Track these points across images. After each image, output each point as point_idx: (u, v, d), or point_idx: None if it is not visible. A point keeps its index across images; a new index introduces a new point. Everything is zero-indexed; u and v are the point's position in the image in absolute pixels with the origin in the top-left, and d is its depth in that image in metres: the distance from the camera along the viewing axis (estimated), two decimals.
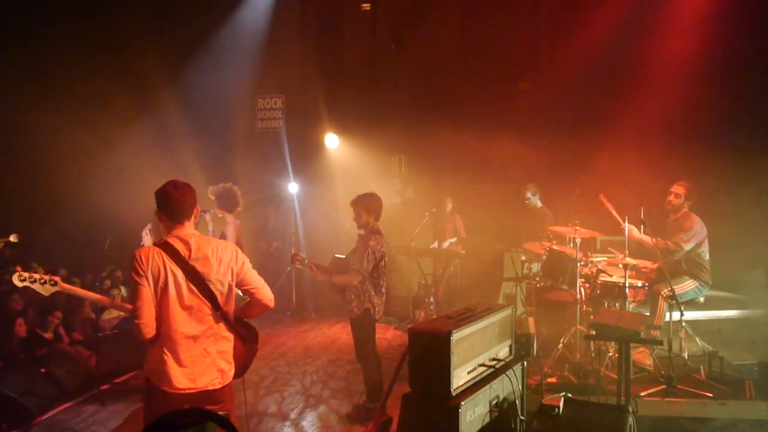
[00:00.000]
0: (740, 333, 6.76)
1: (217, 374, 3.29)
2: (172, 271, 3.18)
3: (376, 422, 4.25)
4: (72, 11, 10.22)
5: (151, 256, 3.17)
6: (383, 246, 5.22)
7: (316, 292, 9.70)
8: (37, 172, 10.24)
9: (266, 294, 3.51)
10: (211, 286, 3.26)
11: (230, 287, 3.36)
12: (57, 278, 3.36)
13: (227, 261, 3.33)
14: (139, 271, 3.14)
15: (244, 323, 3.57)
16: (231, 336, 3.40)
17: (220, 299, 3.30)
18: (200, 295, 3.23)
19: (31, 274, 3.34)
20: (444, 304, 8.49)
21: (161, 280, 3.16)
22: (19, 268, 3.36)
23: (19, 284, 3.34)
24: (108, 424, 5.33)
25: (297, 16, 11.92)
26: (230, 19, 11.05)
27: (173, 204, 3.29)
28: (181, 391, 3.17)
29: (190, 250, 3.25)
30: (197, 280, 3.22)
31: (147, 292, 3.13)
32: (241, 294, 3.51)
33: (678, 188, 6.10)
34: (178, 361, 3.18)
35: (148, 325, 3.13)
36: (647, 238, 5.88)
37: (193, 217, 3.39)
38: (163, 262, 3.18)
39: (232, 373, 3.40)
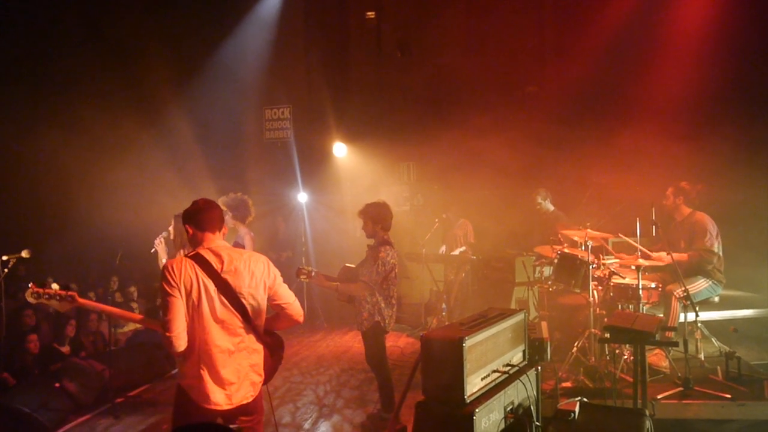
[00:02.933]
0: (757, 332, 6.68)
1: (250, 387, 3.27)
2: (204, 283, 3.12)
3: (391, 431, 4.22)
4: (84, 33, 10.36)
5: (184, 268, 3.11)
6: (394, 257, 5.15)
7: (327, 301, 9.69)
8: (46, 188, 10.33)
9: (296, 309, 3.49)
10: (242, 300, 3.20)
11: (262, 301, 3.30)
12: (73, 293, 3.28)
13: (259, 274, 3.29)
14: (171, 282, 3.06)
15: (269, 332, 3.52)
16: (261, 347, 3.36)
17: (251, 312, 3.24)
18: (232, 309, 3.17)
19: (45, 290, 3.26)
20: (456, 311, 8.44)
21: (194, 292, 3.10)
22: (32, 285, 3.27)
23: (33, 301, 3.27)
24: None
25: (302, 25, 11.97)
26: (236, 31, 11.12)
27: (201, 213, 3.28)
28: (218, 407, 3.14)
29: (222, 263, 3.20)
30: (229, 293, 3.17)
31: (179, 304, 3.05)
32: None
33: (667, 191, 6.19)
34: (216, 378, 3.13)
35: (180, 338, 3.04)
36: (680, 256, 5.83)
37: (221, 232, 3.35)
38: (196, 274, 3.12)
39: (261, 384, 3.37)
